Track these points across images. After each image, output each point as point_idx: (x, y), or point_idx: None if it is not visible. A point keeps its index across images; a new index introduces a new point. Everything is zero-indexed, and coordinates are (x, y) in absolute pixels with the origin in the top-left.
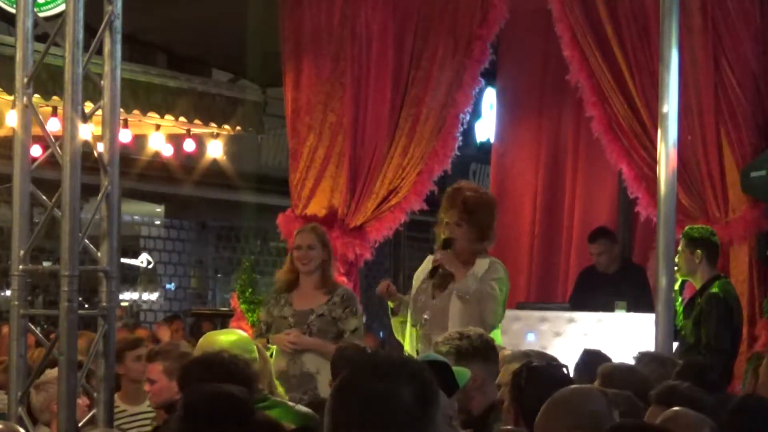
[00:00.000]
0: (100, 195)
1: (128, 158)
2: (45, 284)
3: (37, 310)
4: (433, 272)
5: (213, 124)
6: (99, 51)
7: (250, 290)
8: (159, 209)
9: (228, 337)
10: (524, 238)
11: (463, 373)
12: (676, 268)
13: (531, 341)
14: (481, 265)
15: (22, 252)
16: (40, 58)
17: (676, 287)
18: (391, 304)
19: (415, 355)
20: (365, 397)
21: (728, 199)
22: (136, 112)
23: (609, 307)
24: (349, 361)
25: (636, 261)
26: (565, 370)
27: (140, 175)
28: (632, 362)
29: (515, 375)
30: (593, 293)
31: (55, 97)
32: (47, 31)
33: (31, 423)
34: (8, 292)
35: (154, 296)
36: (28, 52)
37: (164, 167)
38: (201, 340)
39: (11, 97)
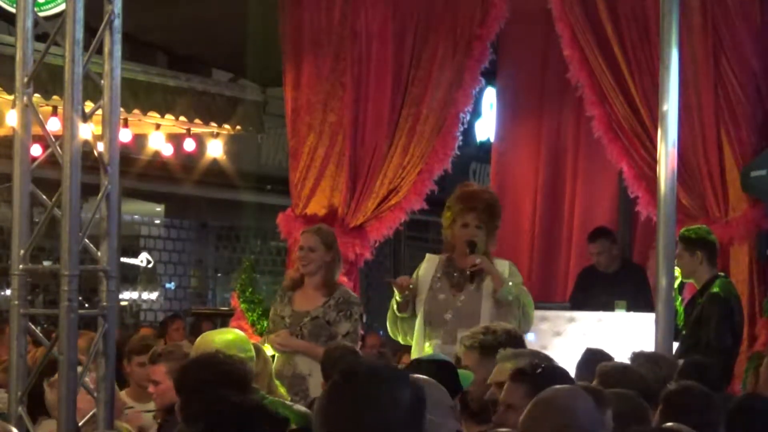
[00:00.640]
0: (100, 195)
1: (128, 158)
2: (45, 284)
3: (37, 310)
4: (472, 277)
5: (213, 124)
6: (99, 51)
7: (250, 290)
8: (159, 209)
9: (224, 337)
10: (524, 238)
11: (466, 375)
12: (676, 271)
13: (531, 341)
14: (502, 266)
15: (22, 251)
16: (40, 58)
17: (676, 287)
18: (399, 299)
19: (421, 351)
20: (362, 399)
21: (728, 199)
22: (136, 111)
23: (609, 307)
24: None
25: (636, 261)
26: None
27: (140, 174)
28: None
29: None
30: (593, 293)
31: (55, 97)
32: (47, 31)
33: (31, 423)
34: (8, 292)
35: (154, 296)
36: (28, 51)
37: (164, 167)
38: (198, 340)
39: (11, 97)
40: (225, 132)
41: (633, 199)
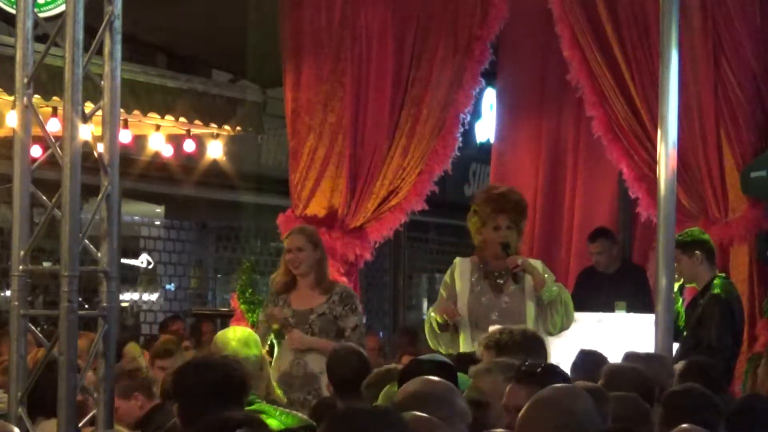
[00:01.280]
0: (100, 195)
1: (128, 158)
2: (45, 284)
3: (37, 311)
4: (515, 277)
5: (213, 125)
6: (99, 51)
7: (250, 290)
8: (159, 209)
9: (239, 335)
10: (524, 238)
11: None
12: (676, 276)
13: None
14: (536, 265)
15: (22, 252)
16: (40, 59)
17: (677, 288)
18: (440, 320)
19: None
20: None
21: (728, 199)
22: (136, 112)
23: (609, 307)
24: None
25: (636, 261)
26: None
27: (140, 175)
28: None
29: None
30: (593, 293)
31: (55, 97)
32: (47, 32)
33: (30, 422)
34: (8, 293)
35: (154, 296)
36: (28, 52)
37: (164, 167)
38: (216, 338)
39: (11, 98)
40: (225, 133)
41: (633, 200)
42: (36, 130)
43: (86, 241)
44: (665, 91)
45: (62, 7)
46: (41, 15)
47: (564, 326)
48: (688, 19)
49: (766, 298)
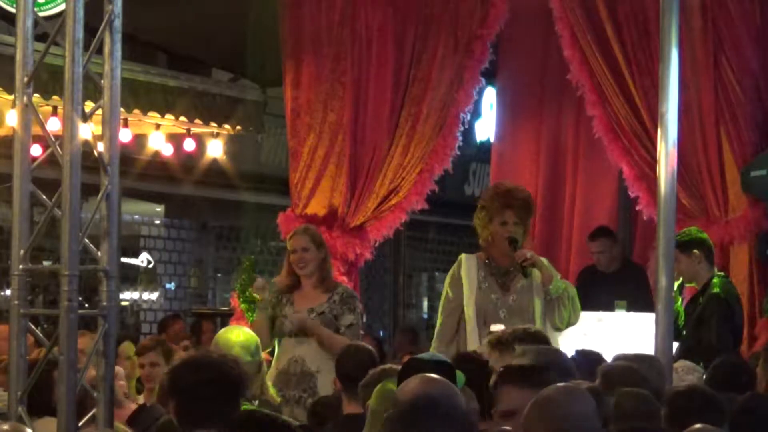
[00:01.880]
0: (100, 195)
1: (128, 158)
2: (45, 284)
3: (37, 310)
4: (524, 271)
5: (213, 124)
6: (99, 51)
7: (250, 290)
8: (159, 209)
9: (240, 335)
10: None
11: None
12: (676, 276)
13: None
14: (543, 261)
15: (22, 251)
16: (40, 58)
17: (677, 288)
18: None
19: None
20: None
21: (728, 199)
22: (136, 111)
23: (609, 307)
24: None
25: (636, 260)
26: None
27: (140, 174)
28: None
29: None
30: (593, 292)
31: (55, 97)
32: (47, 31)
33: (30, 422)
34: (8, 292)
35: (154, 296)
36: (28, 51)
37: (164, 167)
38: (217, 338)
39: (11, 97)
40: (225, 132)
41: (633, 199)
42: (36, 130)
43: (86, 240)
44: (665, 90)
45: (62, 6)
46: (41, 14)
47: (571, 321)
48: (688, 19)
49: (766, 297)
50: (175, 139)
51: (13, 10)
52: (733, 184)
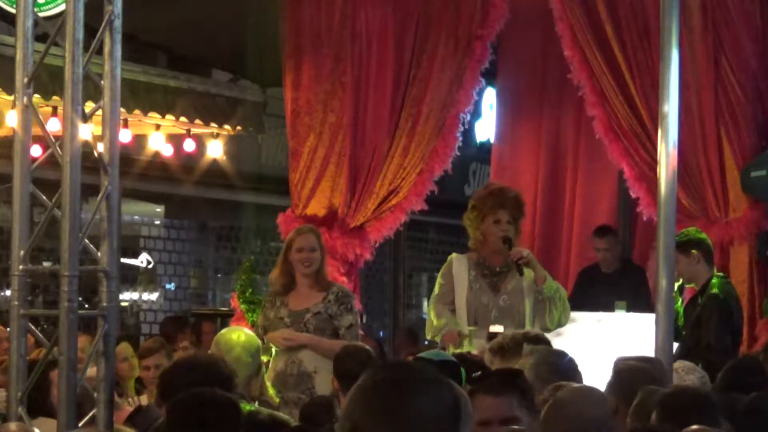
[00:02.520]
0: (100, 195)
1: (128, 158)
2: (45, 284)
3: (37, 310)
4: (520, 270)
5: (213, 124)
6: (99, 51)
7: (250, 290)
8: (159, 209)
9: (241, 336)
10: (524, 238)
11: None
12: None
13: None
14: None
15: (22, 252)
16: (40, 58)
17: (677, 288)
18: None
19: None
20: (401, 407)
21: (728, 199)
22: (136, 112)
23: (609, 307)
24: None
25: (636, 261)
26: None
27: (140, 175)
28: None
29: None
30: (593, 293)
31: (55, 97)
32: (47, 31)
33: (30, 422)
34: (8, 292)
35: (154, 296)
36: (28, 52)
37: (164, 167)
38: (218, 339)
39: (11, 97)
40: (225, 132)
41: (633, 199)
42: (36, 130)
43: (86, 240)
44: (665, 90)
45: (62, 7)
46: (41, 14)
47: (561, 322)
48: (688, 19)
49: (766, 298)
50: (175, 140)
51: (13, 11)
52: (733, 184)
